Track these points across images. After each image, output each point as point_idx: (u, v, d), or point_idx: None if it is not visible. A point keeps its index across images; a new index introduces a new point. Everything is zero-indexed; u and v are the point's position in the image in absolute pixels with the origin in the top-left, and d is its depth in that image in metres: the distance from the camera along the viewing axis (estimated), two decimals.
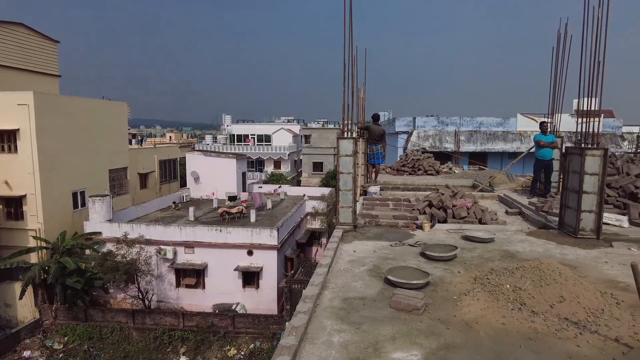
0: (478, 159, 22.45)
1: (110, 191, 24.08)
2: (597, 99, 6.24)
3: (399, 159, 17.16)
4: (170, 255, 19.41)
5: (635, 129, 28.67)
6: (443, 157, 19.90)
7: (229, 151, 40.71)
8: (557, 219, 6.87)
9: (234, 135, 50.67)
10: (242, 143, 49.37)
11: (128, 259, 18.12)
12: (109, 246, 19.20)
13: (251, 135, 50.41)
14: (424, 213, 7.77)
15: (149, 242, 19.07)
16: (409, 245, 5.91)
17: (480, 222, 7.33)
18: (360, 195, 9.86)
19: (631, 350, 3.02)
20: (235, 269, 19.17)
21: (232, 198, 25.82)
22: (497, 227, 6.96)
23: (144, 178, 30.57)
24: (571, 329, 3.31)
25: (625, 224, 6.72)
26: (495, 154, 23.62)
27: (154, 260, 19.30)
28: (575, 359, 2.96)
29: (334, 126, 56.90)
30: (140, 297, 19.04)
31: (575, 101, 20.70)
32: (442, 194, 8.08)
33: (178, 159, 35.91)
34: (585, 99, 6.42)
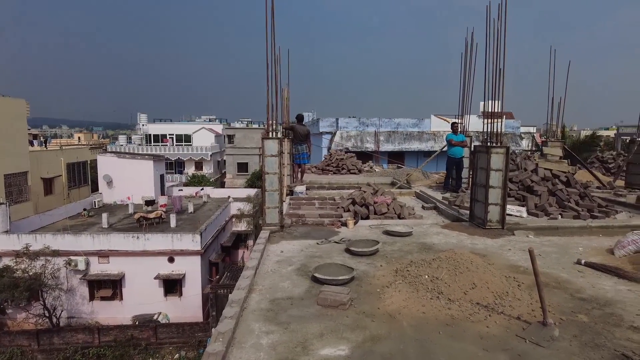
0: (396, 157, 23.65)
1: (7, 199, 21.48)
2: (499, 102, 6.90)
3: (323, 158, 17.47)
4: (82, 267, 17.81)
5: (532, 129, 32.15)
6: (364, 156, 20.65)
7: (145, 152, 38.40)
8: (468, 212, 7.46)
9: (150, 135, 47.96)
10: (160, 144, 46.92)
11: (30, 273, 16.29)
12: (6, 261, 17.11)
13: (169, 135, 48.09)
14: (348, 211, 8.00)
15: (57, 254, 17.31)
16: (335, 242, 6.04)
17: (399, 217, 7.72)
18: (287, 195, 9.87)
19: (529, 325, 3.38)
20: (155, 278, 18.14)
21: (150, 202, 24.43)
22: (415, 222, 7.39)
23: (48, 183, 27.75)
24: (482, 312, 3.62)
25: (524, 214, 7.50)
26: (412, 153, 25.06)
27: (63, 273, 17.58)
28: (486, 338, 3.24)
29: (259, 126, 56.34)
30: (47, 315, 17.22)
31: (481, 103, 22.70)
32: (364, 192, 8.38)
33: (88, 162, 33.16)
34: (490, 102, 7.07)
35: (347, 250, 5.51)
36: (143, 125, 50.50)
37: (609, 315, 3.67)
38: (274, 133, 6.66)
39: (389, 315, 3.64)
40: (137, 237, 18.13)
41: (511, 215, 7.33)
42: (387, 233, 6.47)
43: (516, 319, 3.51)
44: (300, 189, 10.36)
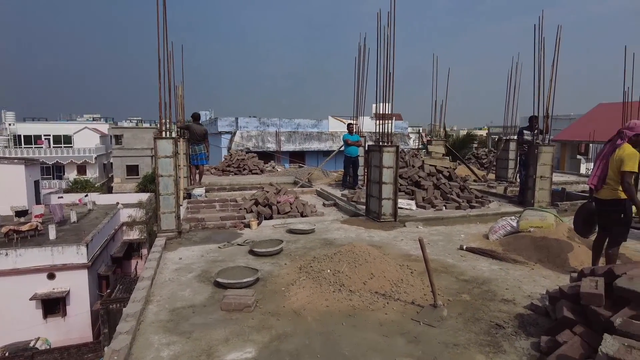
0: (297, 157, 24.02)
1: None
2: (389, 104, 7.40)
3: (223, 159, 17.00)
4: None
5: (418, 129, 35.07)
6: (266, 156, 20.59)
7: (14, 155, 33.50)
8: (364, 207, 7.88)
9: (20, 135, 42.02)
10: (33, 145, 41.35)
11: None
12: None
13: (45, 135, 42.65)
14: (251, 211, 7.90)
15: None
16: (238, 244, 5.91)
17: (302, 215, 7.86)
18: (184, 198, 9.40)
19: (422, 308, 3.69)
20: (32, 298, 15.94)
21: (22, 213, 21.35)
22: (317, 219, 7.58)
23: None
24: (380, 300, 3.85)
25: (414, 207, 8.16)
26: (312, 153, 25.68)
27: None
28: (385, 325, 3.45)
29: (150, 125, 52.67)
30: None
31: (374, 106, 24.13)
32: (267, 192, 8.35)
33: None
34: (381, 104, 7.55)
35: (251, 252, 5.44)
36: (10, 124, 43.90)
37: (485, 292, 4.17)
38: (168, 132, 6.29)
39: (294, 312, 3.68)
40: (6, 254, 15.73)
41: (402, 208, 7.91)
42: (291, 231, 6.54)
43: (411, 304, 3.81)
44: (198, 191, 9.95)
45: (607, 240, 4.42)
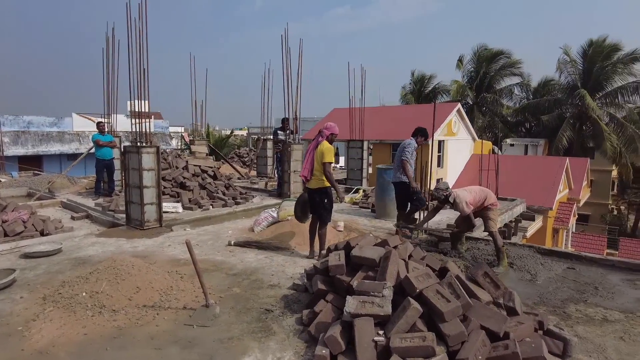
0: (31, 163, 19.65)
1: None
2: (146, 102, 6.91)
3: None
4: None
5: (179, 129, 34.11)
6: None
7: None
8: (124, 215, 7.15)
9: None
10: None
11: None
12: None
13: None
14: None
15: None
16: None
17: (43, 234, 6.51)
18: None
19: (195, 311, 3.64)
20: None
21: None
22: (64, 236, 6.43)
23: None
24: (150, 312, 3.58)
25: (180, 209, 7.93)
26: (53, 157, 21.54)
27: None
28: (156, 337, 3.23)
29: None
30: None
31: (129, 103, 22.08)
32: None
33: None
34: (137, 102, 6.96)
35: None
36: None
37: (254, 282, 4.45)
38: None
39: (39, 353, 3.02)
40: None
41: (168, 212, 7.57)
42: (27, 256, 5.32)
43: (183, 309, 3.69)
44: None
45: (318, 222, 5.27)
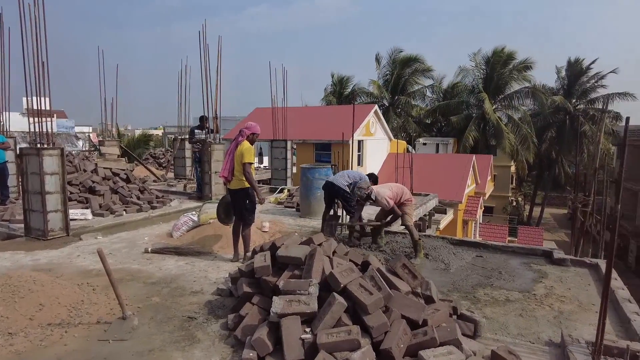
0: None
1: None
2: (46, 99, 6.24)
3: None
4: None
5: (86, 129, 31.38)
6: None
7: None
8: (22, 225, 6.42)
9: None
10: None
11: None
12: None
13: None
14: None
15: None
16: None
17: None
18: None
19: (110, 325, 3.37)
20: None
21: None
22: None
23: None
24: (56, 331, 3.25)
25: (90, 216, 7.30)
26: None
27: None
28: (65, 358, 2.95)
29: None
30: None
31: (25, 99, 19.78)
32: None
33: None
34: (35, 98, 6.26)
35: None
36: None
37: (175, 290, 4.24)
38: None
39: None
40: None
41: (76, 219, 6.94)
42: None
43: (96, 324, 3.40)
44: None
45: (241, 224, 5.16)
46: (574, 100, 30.83)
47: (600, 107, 29.32)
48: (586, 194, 8.31)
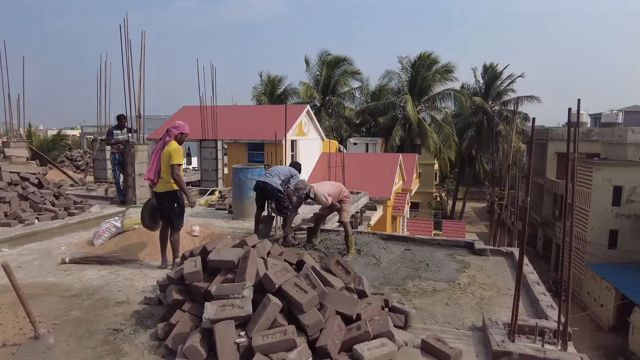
0: None
1: None
2: None
3: None
4: None
5: None
6: None
7: None
8: None
9: None
10: None
11: None
12: None
13: None
14: None
15: None
16: None
17: None
18: None
19: (20, 346, 3.04)
20: None
21: None
22: None
23: None
24: None
25: None
26: None
27: None
28: None
29: None
30: None
31: None
32: None
33: None
34: None
35: None
36: None
37: (98, 301, 3.94)
38: None
39: None
40: None
41: None
42: None
43: (3, 347, 3.05)
44: None
45: (169, 229, 4.91)
46: (490, 102, 33.45)
47: (512, 108, 32.12)
48: (502, 189, 9.08)
